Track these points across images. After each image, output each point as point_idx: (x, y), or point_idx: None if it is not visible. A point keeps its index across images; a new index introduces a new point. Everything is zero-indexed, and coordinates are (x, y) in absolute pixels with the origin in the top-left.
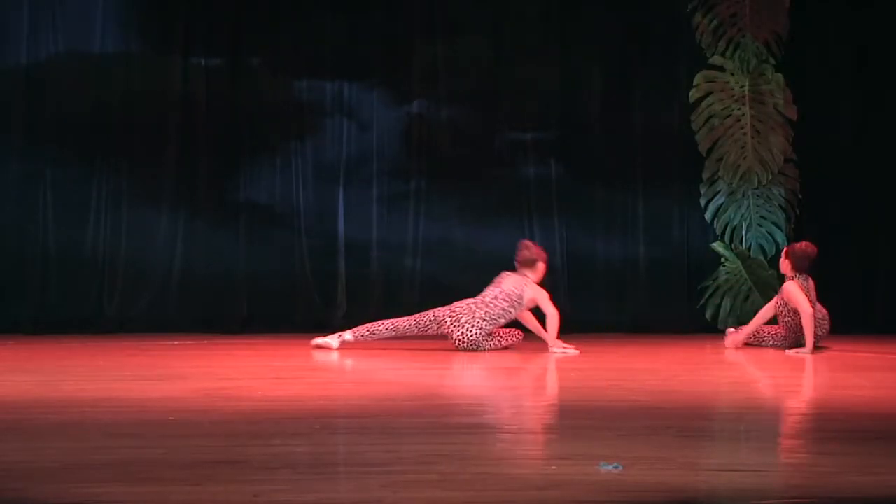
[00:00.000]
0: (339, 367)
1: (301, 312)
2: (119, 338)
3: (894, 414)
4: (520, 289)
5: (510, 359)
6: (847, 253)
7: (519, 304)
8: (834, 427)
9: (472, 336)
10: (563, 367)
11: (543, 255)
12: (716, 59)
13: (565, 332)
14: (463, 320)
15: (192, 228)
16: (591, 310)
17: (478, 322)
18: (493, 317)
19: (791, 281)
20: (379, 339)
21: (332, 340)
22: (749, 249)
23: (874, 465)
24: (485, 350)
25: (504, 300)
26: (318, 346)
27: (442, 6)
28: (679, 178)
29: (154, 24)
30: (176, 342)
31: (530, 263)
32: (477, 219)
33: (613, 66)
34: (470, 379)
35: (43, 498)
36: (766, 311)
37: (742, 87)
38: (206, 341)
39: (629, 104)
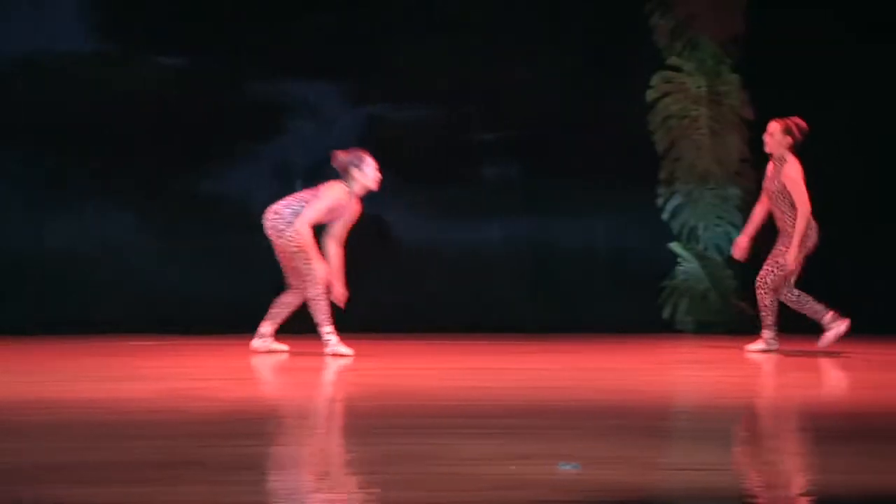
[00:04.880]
0: (299, 367)
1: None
2: (82, 339)
3: (853, 413)
4: (327, 186)
5: (467, 359)
6: None
7: (315, 197)
8: (793, 426)
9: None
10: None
11: (354, 157)
12: (673, 60)
13: (527, 330)
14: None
15: (155, 229)
16: (551, 309)
17: (281, 205)
18: (295, 207)
19: (796, 162)
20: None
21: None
22: (706, 249)
23: (832, 464)
24: (286, 240)
25: (311, 191)
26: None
27: (405, 6)
28: (637, 178)
29: (117, 23)
30: (138, 343)
31: (343, 173)
32: (440, 218)
33: (574, 66)
34: (427, 380)
35: (5, 499)
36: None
37: (699, 87)
38: (167, 342)
39: (589, 104)
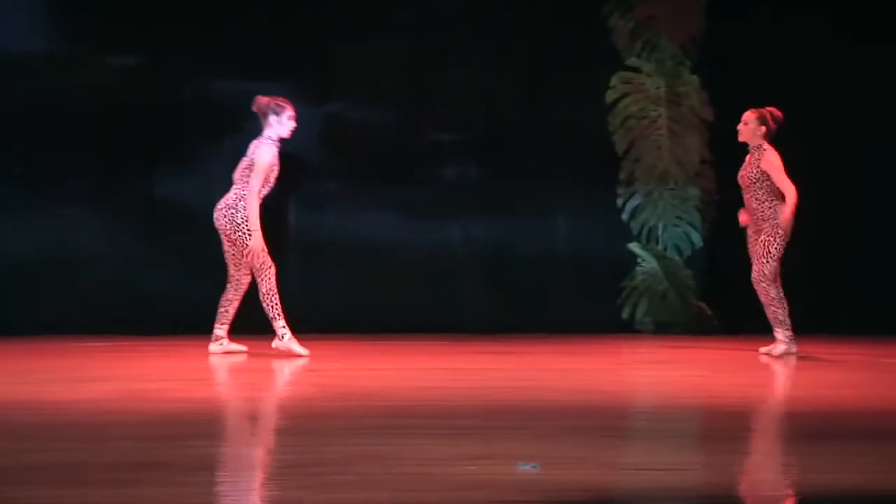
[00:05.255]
0: (260, 368)
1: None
2: (38, 339)
3: (809, 412)
4: (254, 147)
5: (426, 360)
6: None
7: (251, 168)
8: (750, 426)
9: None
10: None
11: (275, 103)
12: (632, 61)
13: (487, 331)
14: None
15: (110, 229)
16: (510, 310)
17: (232, 198)
18: (241, 194)
19: (774, 151)
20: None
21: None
22: (665, 250)
23: (791, 464)
24: (236, 239)
25: (245, 168)
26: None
27: (361, 6)
28: (597, 178)
29: (70, 22)
30: (91, 344)
31: (261, 117)
32: (399, 219)
33: (533, 66)
34: (386, 380)
35: None
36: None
37: (658, 88)
38: (125, 343)
39: (548, 105)
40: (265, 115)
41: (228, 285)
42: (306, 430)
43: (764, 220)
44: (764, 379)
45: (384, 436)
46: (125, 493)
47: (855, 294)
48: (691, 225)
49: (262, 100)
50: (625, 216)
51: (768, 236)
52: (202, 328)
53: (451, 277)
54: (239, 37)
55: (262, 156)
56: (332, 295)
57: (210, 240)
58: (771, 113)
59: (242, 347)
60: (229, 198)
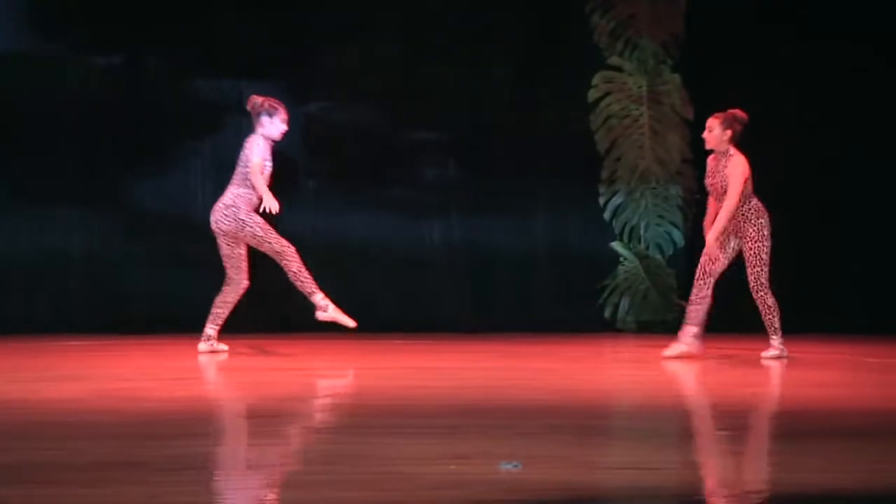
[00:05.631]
0: (239, 367)
1: (202, 312)
2: (16, 338)
3: (789, 411)
4: (248, 146)
5: (407, 359)
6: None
7: (248, 158)
8: (731, 425)
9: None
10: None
11: (268, 104)
12: (614, 60)
13: (467, 330)
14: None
15: (91, 228)
16: (491, 309)
17: (229, 198)
18: (243, 190)
19: (741, 156)
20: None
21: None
22: (647, 248)
23: (772, 462)
24: (245, 235)
25: (243, 165)
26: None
27: (346, 5)
28: (579, 177)
29: (51, 21)
30: (72, 343)
31: (254, 117)
32: (378, 219)
33: (515, 66)
34: (368, 379)
35: None
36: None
37: (640, 87)
38: (105, 342)
39: (530, 104)
40: (258, 115)
41: (227, 287)
42: (288, 429)
43: (746, 222)
44: (747, 378)
45: (366, 435)
46: (97, 493)
47: (842, 294)
48: (673, 224)
49: (257, 99)
50: (607, 215)
51: (756, 242)
52: (183, 327)
53: (432, 276)
54: (221, 35)
55: (256, 147)
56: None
57: (190, 238)
58: (735, 116)
59: (225, 347)
60: (226, 198)
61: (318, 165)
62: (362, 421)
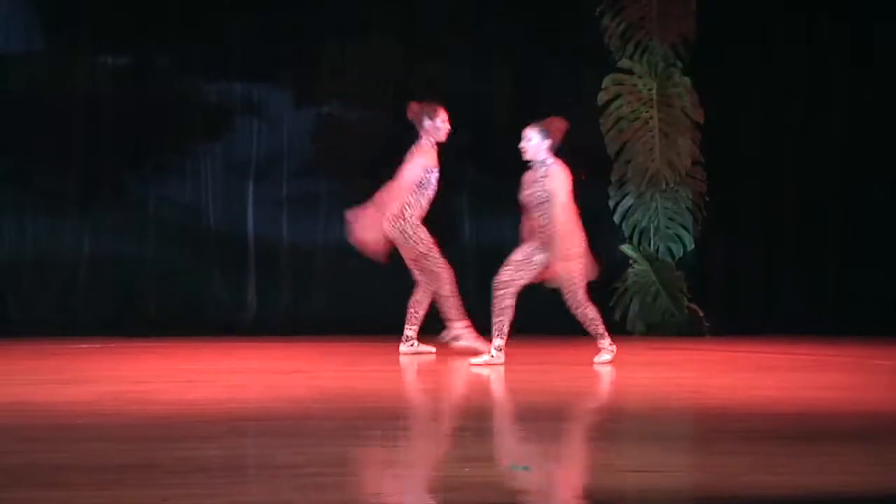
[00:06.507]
0: (249, 369)
1: (211, 314)
2: (26, 341)
3: (798, 413)
4: (411, 156)
5: (425, 361)
6: (753, 255)
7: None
8: (740, 427)
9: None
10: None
11: (428, 108)
12: (624, 63)
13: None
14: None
15: (100, 229)
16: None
17: (397, 208)
18: (413, 201)
19: (559, 166)
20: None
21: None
22: (657, 251)
23: (780, 465)
24: (407, 249)
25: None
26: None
27: (351, 6)
28: (588, 179)
29: (60, 21)
30: (79, 346)
31: (417, 124)
32: None
33: (523, 67)
34: (382, 381)
35: None
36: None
37: (650, 90)
38: (114, 344)
39: (539, 105)
40: (419, 121)
41: (416, 287)
42: (295, 432)
43: (549, 239)
44: (754, 381)
45: (373, 437)
46: (109, 495)
47: (841, 296)
48: (683, 226)
49: (415, 106)
50: (616, 217)
51: (570, 260)
52: (190, 329)
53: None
54: (230, 37)
55: (416, 161)
56: (320, 294)
57: (200, 239)
58: (552, 124)
59: (432, 349)
60: (394, 207)
61: (328, 166)
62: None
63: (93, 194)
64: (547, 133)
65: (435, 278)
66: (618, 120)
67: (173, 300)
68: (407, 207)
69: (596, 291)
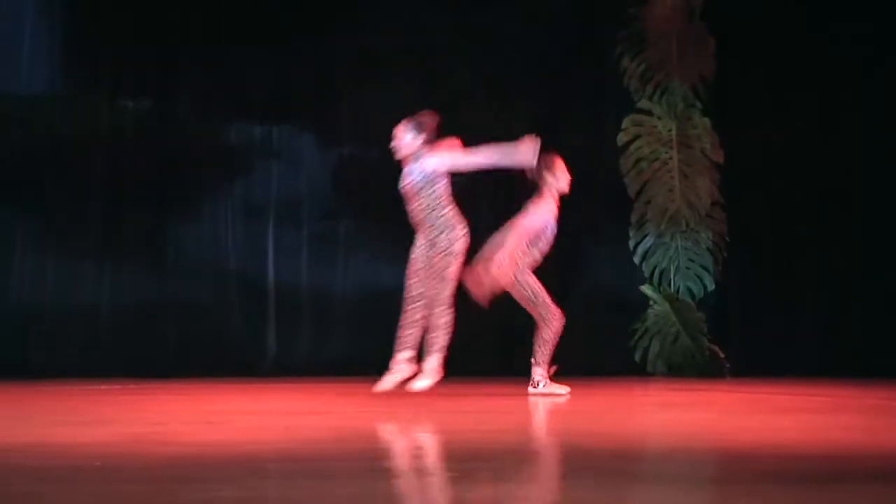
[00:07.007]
0: (269, 410)
1: (231, 356)
2: (46, 383)
3: (822, 455)
4: (533, 209)
5: (435, 402)
6: (773, 296)
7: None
8: (763, 469)
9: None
10: (497, 408)
11: (545, 161)
12: (644, 103)
13: (494, 372)
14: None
15: (120, 272)
16: (519, 352)
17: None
18: (526, 250)
19: (436, 149)
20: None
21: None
22: (677, 292)
23: None
24: (516, 293)
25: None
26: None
27: (372, 49)
28: (608, 220)
29: (81, 64)
30: (104, 387)
31: (538, 181)
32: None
33: (542, 109)
34: (401, 421)
35: None
36: None
37: (669, 130)
38: (134, 385)
39: (558, 147)
40: (540, 176)
41: (539, 324)
42: (315, 473)
43: (435, 231)
44: (776, 423)
45: (392, 478)
46: None
47: (862, 338)
48: (703, 267)
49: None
50: (637, 258)
51: (444, 255)
52: (210, 370)
53: (463, 319)
54: (250, 79)
55: (536, 216)
56: (341, 335)
57: (220, 280)
58: (424, 118)
59: (565, 389)
60: (502, 253)
61: (348, 207)
62: (391, 464)
63: (113, 236)
64: (420, 128)
65: (546, 322)
66: (637, 160)
67: (193, 342)
68: (520, 254)
69: (616, 332)
